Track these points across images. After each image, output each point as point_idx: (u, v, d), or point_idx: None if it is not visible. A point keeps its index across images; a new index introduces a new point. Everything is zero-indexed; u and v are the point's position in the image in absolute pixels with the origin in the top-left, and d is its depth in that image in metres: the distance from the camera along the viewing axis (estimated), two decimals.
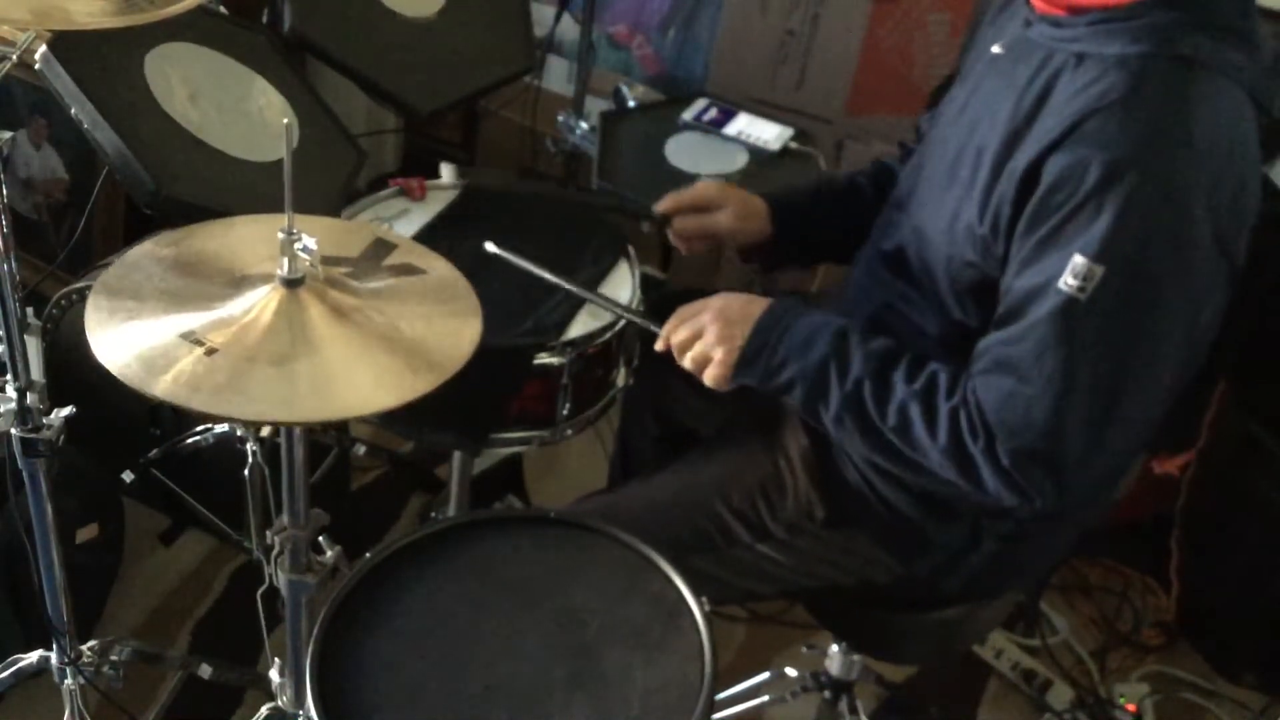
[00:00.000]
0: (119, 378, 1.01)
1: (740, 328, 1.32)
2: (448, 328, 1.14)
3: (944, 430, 1.20)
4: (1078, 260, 1.10)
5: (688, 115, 2.19)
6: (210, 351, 1.04)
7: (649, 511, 1.45)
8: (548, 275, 1.50)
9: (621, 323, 1.58)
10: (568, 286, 1.52)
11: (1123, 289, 1.11)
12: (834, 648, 1.70)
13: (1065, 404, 1.13)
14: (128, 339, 1.05)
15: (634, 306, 1.61)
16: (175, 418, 1.96)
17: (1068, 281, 1.11)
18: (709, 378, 1.34)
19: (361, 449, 2.24)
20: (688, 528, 1.43)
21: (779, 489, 1.43)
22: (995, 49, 1.30)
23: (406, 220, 1.72)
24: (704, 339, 1.33)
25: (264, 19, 1.92)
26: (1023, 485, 1.17)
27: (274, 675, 1.46)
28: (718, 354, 1.32)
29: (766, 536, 1.42)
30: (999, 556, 1.38)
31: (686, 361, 1.35)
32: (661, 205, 1.62)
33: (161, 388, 1.00)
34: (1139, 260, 1.10)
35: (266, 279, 1.11)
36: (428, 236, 1.68)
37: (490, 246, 1.52)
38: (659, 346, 1.39)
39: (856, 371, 1.25)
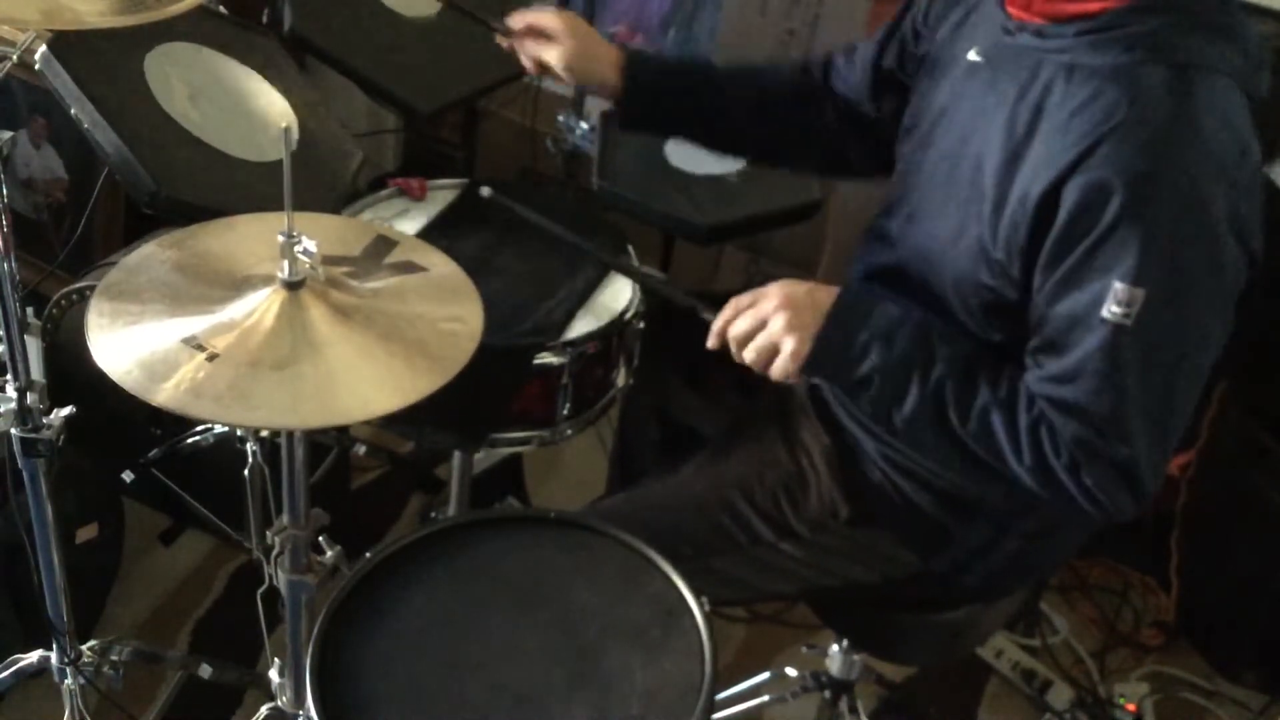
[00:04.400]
0: (121, 385, 1.01)
1: (810, 314, 1.23)
2: (449, 326, 1.14)
3: (1026, 445, 1.18)
4: (1118, 287, 1.10)
5: None
6: (212, 357, 1.04)
7: (669, 512, 1.44)
8: (566, 234, 1.45)
9: (624, 319, 1.58)
10: (601, 256, 1.50)
11: (1165, 305, 1.11)
12: (834, 648, 1.70)
13: (1133, 430, 1.14)
14: (130, 345, 1.05)
15: (635, 305, 1.61)
16: (176, 418, 1.96)
17: (1112, 310, 1.10)
18: (777, 370, 1.25)
19: (361, 449, 2.24)
20: (710, 527, 1.42)
21: (802, 487, 1.42)
22: (973, 56, 1.28)
23: (406, 220, 1.73)
24: (769, 329, 1.24)
25: (264, 19, 1.92)
26: (1101, 500, 1.17)
27: (274, 675, 1.46)
28: (788, 345, 1.23)
29: (790, 534, 1.42)
30: (1018, 554, 1.39)
31: (749, 353, 1.26)
32: (514, 21, 1.57)
33: (163, 395, 1.00)
34: (1175, 274, 1.11)
35: (268, 280, 1.11)
36: (428, 237, 1.68)
37: (485, 191, 1.44)
38: (712, 343, 1.29)
39: (940, 370, 1.21)
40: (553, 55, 1.53)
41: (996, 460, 1.21)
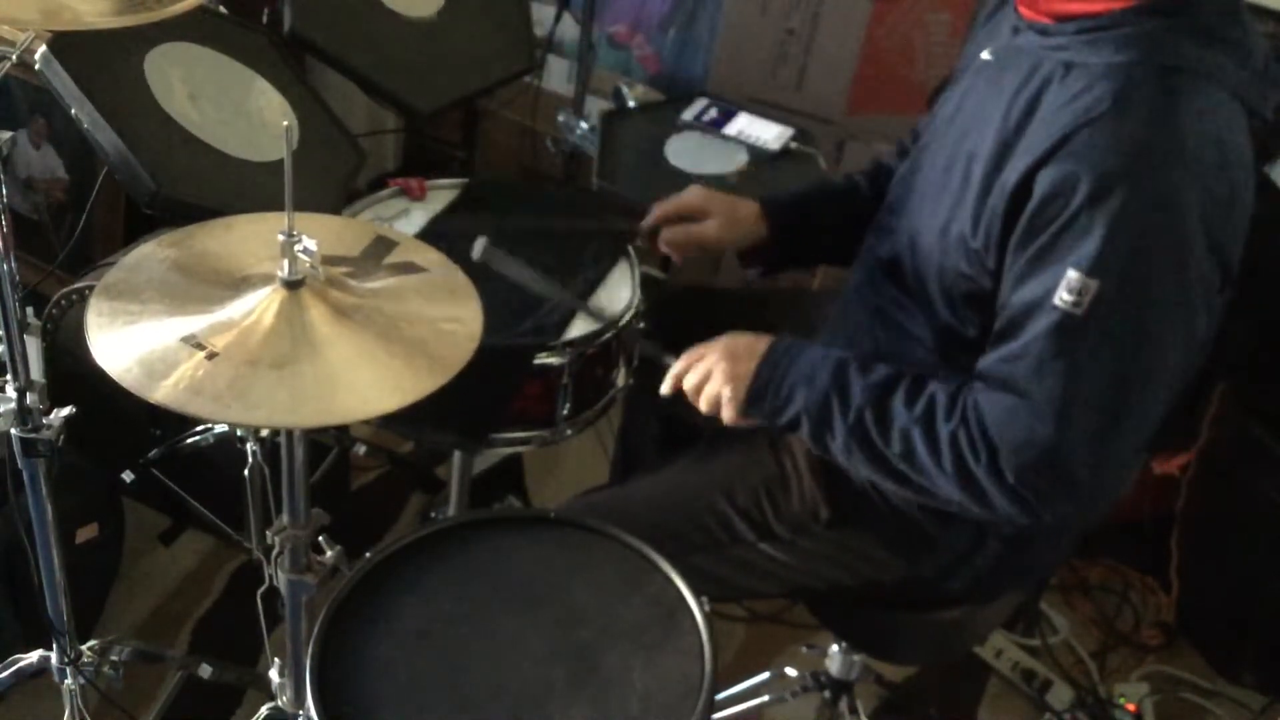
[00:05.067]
0: (121, 383, 1.01)
1: (746, 365, 1.33)
2: (449, 326, 1.14)
3: (947, 455, 1.20)
4: (1071, 275, 1.11)
5: (688, 115, 2.19)
6: (211, 355, 1.04)
7: (652, 508, 1.45)
8: (547, 288, 1.49)
9: (622, 322, 1.58)
10: (575, 303, 1.52)
11: (1117, 302, 1.11)
12: (834, 648, 1.70)
13: (1068, 419, 1.14)
14: (128, 343, 1.05)
15: (635, 307, 1.61)
16: (176, 418, 1.96)
17: (1063, 297, 1.11)
18: (724, 417, 1.35)
19: (361, 449, 2.24)
20: (691, 524, 1.43)
21: (784, 488, 1.43)
22: (985, 55, 1.30)
23: (406, 220, 1.72)
24: (713, 380, 1.34)
25: (264, 19, 1.92)
26: (1030, 501, 1.17)
27: (274, 675, 1.46)
28: (726, 393, 1.33)
29: (770, 535, 1.43)
30: (1003, 558, 1.39)
31: (702, 403, 1.36)
32: (648, 219, 1.63)
33: (162, 393, 1.00)
34: (1132, 273, 1.10)
35: (267, 280, 1.11)
36: (428, 237, 1.68)
37: (478, 251, 1.43)
38: (666, 390, 1.40)
39: (858, 401, 1.25)
40: (710, 230, 1.58)
41: (924, 478, 1.23)
